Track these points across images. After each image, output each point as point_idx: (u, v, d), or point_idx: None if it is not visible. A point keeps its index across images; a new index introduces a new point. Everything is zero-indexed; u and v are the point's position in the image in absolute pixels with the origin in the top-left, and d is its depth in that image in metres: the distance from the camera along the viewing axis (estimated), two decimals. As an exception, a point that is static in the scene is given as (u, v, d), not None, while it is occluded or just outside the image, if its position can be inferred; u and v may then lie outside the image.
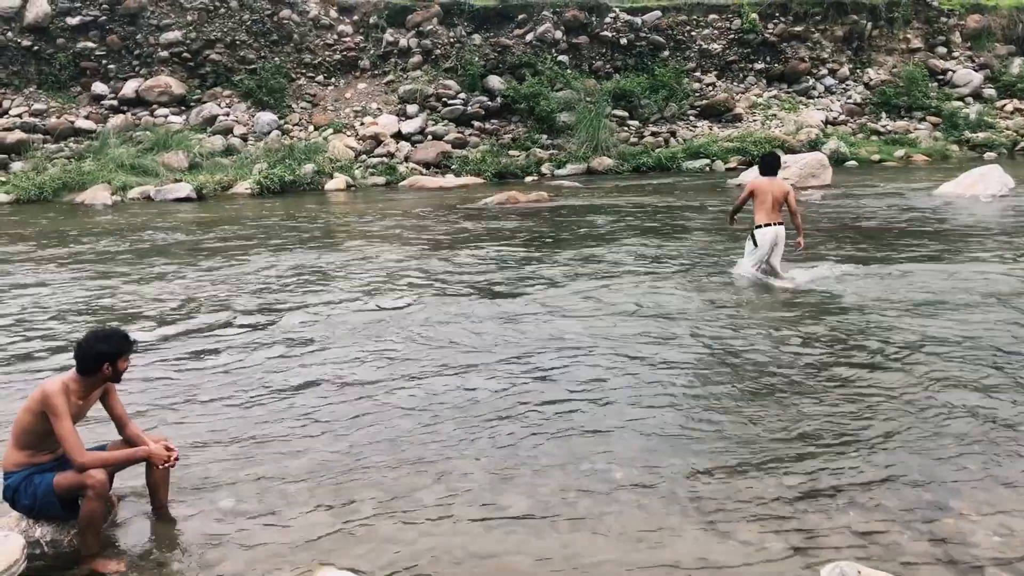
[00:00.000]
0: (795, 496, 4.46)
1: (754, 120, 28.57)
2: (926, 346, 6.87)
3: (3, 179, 20.97)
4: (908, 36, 31.70)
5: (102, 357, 4.14)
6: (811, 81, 30.26)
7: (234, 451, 5.17)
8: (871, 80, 30.68)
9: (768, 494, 4.49)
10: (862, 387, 6.01)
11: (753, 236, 9.39)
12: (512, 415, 5.65)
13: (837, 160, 24.71)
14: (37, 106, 23.39)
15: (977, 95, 30.14)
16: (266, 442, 5.30)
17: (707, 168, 25.23)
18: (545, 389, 6.13)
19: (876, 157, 26.57)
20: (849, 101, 30.06)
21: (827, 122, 28.79)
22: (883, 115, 29.70)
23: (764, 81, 30.32)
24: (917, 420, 5.41)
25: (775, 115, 28.83)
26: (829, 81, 30.49)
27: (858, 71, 31.03)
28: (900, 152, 27.10)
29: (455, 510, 4.41)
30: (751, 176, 9.58)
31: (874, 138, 28.51)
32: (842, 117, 29.41)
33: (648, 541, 4.09)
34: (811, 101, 29.86)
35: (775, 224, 9.26)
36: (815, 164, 20.49)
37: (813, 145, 26.13)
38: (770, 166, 9.59)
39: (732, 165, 25.12)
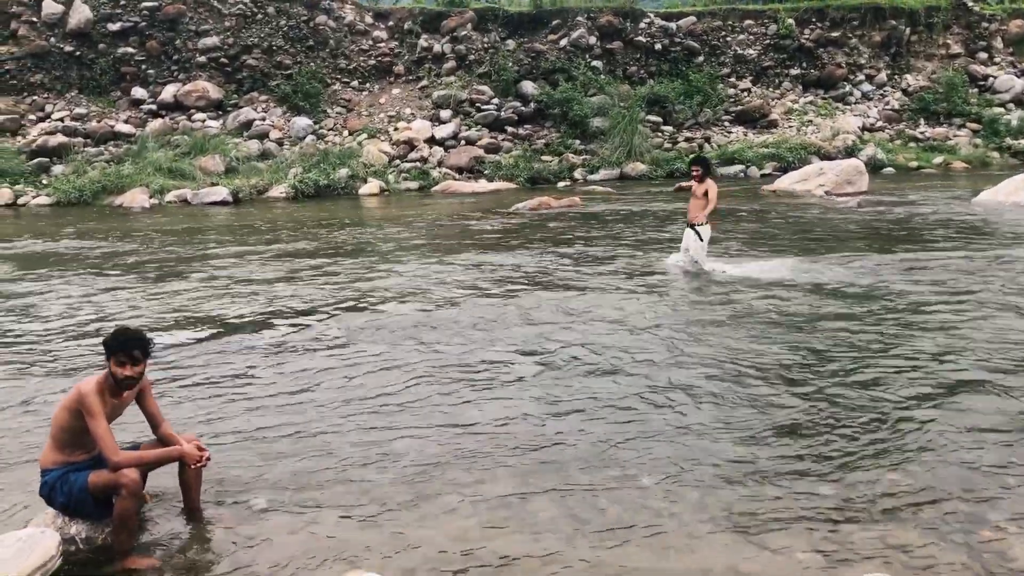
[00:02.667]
0: (828, 506, 4.40)
1: (790, 126, 28.34)
2: (958, 353, 6.75)
3: (45, 182, 21.36)
4: (948, 41, 31.29)
5: (107, 350, 4.15)
6: (848, 87, 29.95)
7: (267, 452, 5.20)
8: (909, 86, 30.31)
9: (800, 503, 4.43)
10: (896, 394, 5.91)
11: (698, 232, 10.35)
12: (540, 420, 5.63)
13: (874, 167, 24.42)
14: (78, 110, 23.83)
15: (1019, 101, 29.65)
16: (299, 443, 5.33)
17: (742, 174, 25.05)
18: (572, 395, 6.10)
19: (914, 164, 26.24)
20: (887, 107, 29.72)
21: (864, 128, 28.49)
22: (921, 121, 29.33)
23: (800, 87, 30.07)
24: (955, 429, 5.31)
25: (811, 121, 28.58)
26: (866, 87, 30.17)
27: (896, 77, 30.68)
28: (939, 159, 26.73)
29: (483, 515, 4.41)
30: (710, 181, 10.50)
31: (912, 145, 28.16)
32: (879, 123, 29.08)
33: (678, 549, 4.06)
34: (848, 107, 29.57)
35: (706, 222, 10.44)
36: (851, 171, 20.26)
37: (850, 151, 25.88)
38: (706, 167, 10.65)
39: (767, 171, 24.93)
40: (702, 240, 10.40)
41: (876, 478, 4.70)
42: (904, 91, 30.30)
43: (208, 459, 4.36)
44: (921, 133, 28.81)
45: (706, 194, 10.36)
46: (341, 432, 5.50)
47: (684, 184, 11.29)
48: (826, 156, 25.30)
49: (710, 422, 5.54)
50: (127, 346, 4.11)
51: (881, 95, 30.23)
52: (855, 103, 29.80)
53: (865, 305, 8.55)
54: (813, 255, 11.49)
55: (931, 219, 14.92)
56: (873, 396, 5.93)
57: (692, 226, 10.51)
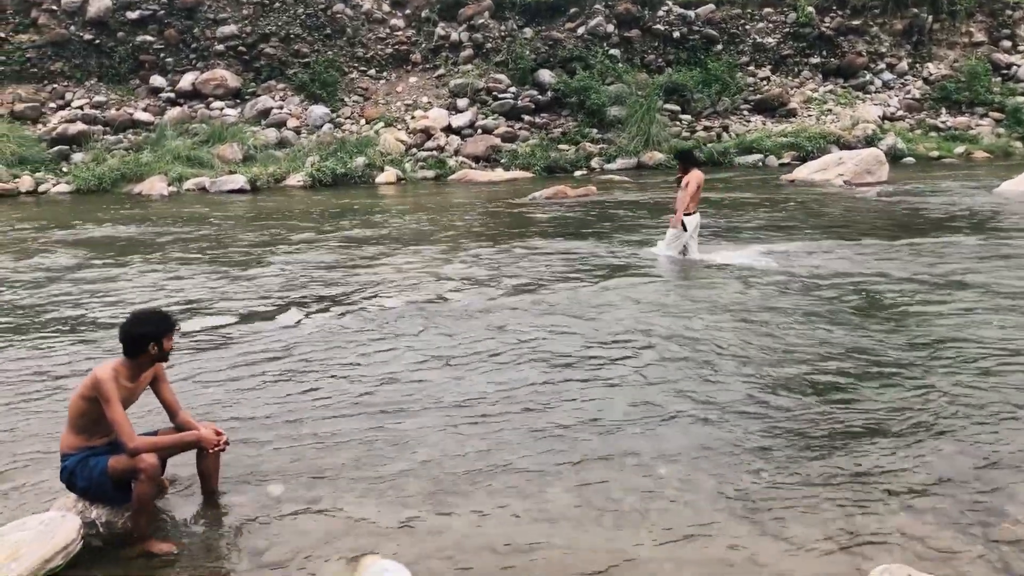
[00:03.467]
0: (846, 497, 4.38)
1: (809, 115, 28.13)
2: (973, 343, 6.70)
3: (65, 170, 21.51)
4: (971, 29, 30.93)
5: (146, 338, 4.21)
6: (868, 76, 29.67)
7: (284, 439, 5.24)
8: (931, 75, 30.01)
9: (818, 493, 4.42)
10: (915, 384, 5.88)
11: (684, 223, 10.47)
12: (556, 409, 5.64)
13: (894, 156, 24.21)
14: (98, 98, 23.94)
15: (1043, 90, 29.29)
16: (316, 430, 5.36)
17: (760, 163, 24.90)
18: (589, 383, 6.10)
19: (935, 153, 26.00)
20: (907, 96, 29.44)
21: (884, 117, 28.24)
22: (943, 111, 29.05)
23: (820, 75, 29.82)
24: (974, 420, 5.28)
25: (830, 110, 28.35)
26: (887, 76, 29.88)
27: (917, 65, 30.37)
28: (960, 148, 26.47)
29: (498, 501, 4.42)
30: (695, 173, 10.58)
31: (933, 134, 27.89)
32: (900, 112, 28.81)
33: (694, 538, 4.06)
34: (868, 96, 29.31)
35: (697, 212, 10.67)
36: (871, 160, 20.09)
37: (869, 141, 25.65)
38: (689, 160, 10.86)
39: (786, 160, 24.77)
40: (687, 230, 10.56)
41: (894, 468, 4.68)
42: (925, 80, 29.99)
43: (226, 444, 4.40)
44: (942, 122, 28.52)
45: (689, 185, 10.50)
46: (358, 419, 5.52)
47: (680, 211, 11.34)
48: (846, 145, 25.10)
49: (726, 411, 5.53)
50: (174, 324, 4.39)
51: (902, 84, 29.93)
52: (875, 92, 29.53)
53: (876, 293, 8.50)
54: (820, 242, 11.43)
55: (950, 208, 14.79)
56: (889, 385, 5.90)
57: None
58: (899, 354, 6.58)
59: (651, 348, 6.89)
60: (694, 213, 10.58)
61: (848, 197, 17.18)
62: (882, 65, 30.00)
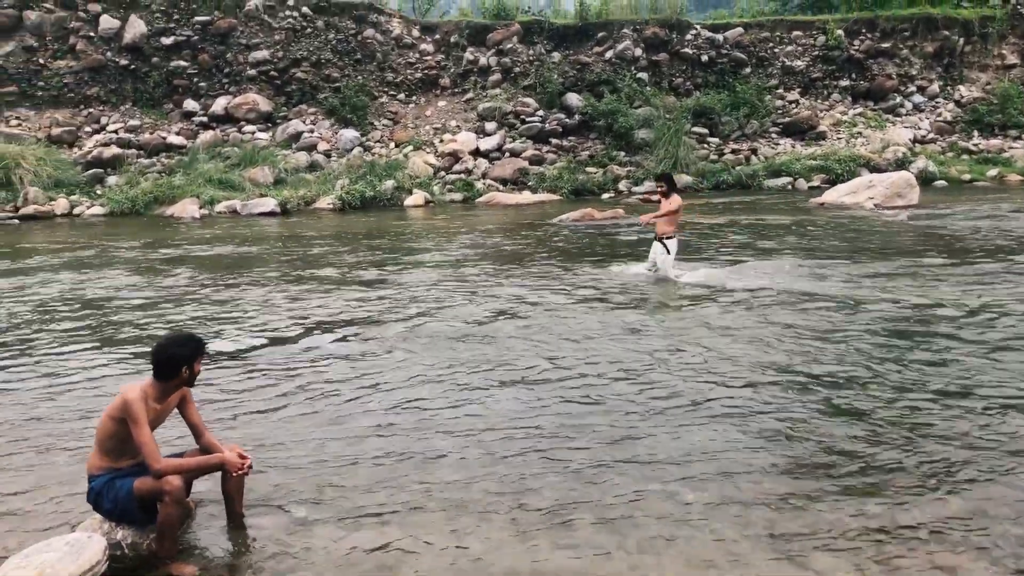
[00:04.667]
0: (874, 527, 4.30)
1: (838, 138, 27.98)
2: (1015, 375, 6.58)
3: (99, 192, 21.87)
4: (1003, 52, 30.68)
5: (180, 361, 4.26)
6: (898, 98, 29.50)
7: (309, 461, 5.25)
8: (962, 97, 29.76)
9: (846, 523, 4.34)
10: (947, 411, 5.78)
11: (665, 244, 10.88)
12: (583, 433, 5.60)
13: (925, 179, 24.00)
14: (132, 122, 24.39)
15: (1077, 113, 28.92)
16: (341, 453, 5.36)
17: (789, 187, 24.78)
18: (615, 407, 6.07)
19: (967, 177, 25.73)
20: (939, 119, 29.21)
21: (915, 140, 28.03)
22: (975, 133, 28.76)
23: (849, 98, 29.69)
24: (1007, 450, 5.17)
25: (860, 133, 28.19)
26: (917, 98, 29.68)
27: (949, 88, 30.14)
28: (993, 172, 26.19)
29: (523, 527, 4.39)
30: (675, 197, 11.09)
31: (965, 157, 27.62)
32: (931, 135, 28.59)
33: (719, 567, 4.00)
34: (898, 119, 29.11)
35: (673, 236, 11.03)
36: (901, 183, 19.91)
37: (900, 164, 25.46)
38: (671, 184, 11.26)
39: (815, 183, 24.63)
40: (669, 253, 10.92)
41: (924, 498, 4.59)
42: (957, 102, 29.74)
43: (250, 467, 4.41)
44: (975, 145, 28.24)
45: (673, 210, 10.92)
46: (383, 441, 5.53)
47: (651, 197, 12.11)
48: (876, 168, 24.93)
49: (752, 437, 5.46)
50: (204, 348, 4.46)
51: (933, 106, 29.71)
52: (906, 115, 29.33)
53: (907, 319, 8.39)
54: (850, 265, 11.32)
55: (982, 232, 14.60)
56: (918, 412, 5.80)
57: (660, 239, 11.01)
58: (930, 383, 6.48)
59: (675, 372, 6.84)
60: (673, 237, 10.99)
61: (878, 220, 17.02)
62: (913, 88, 29.81)
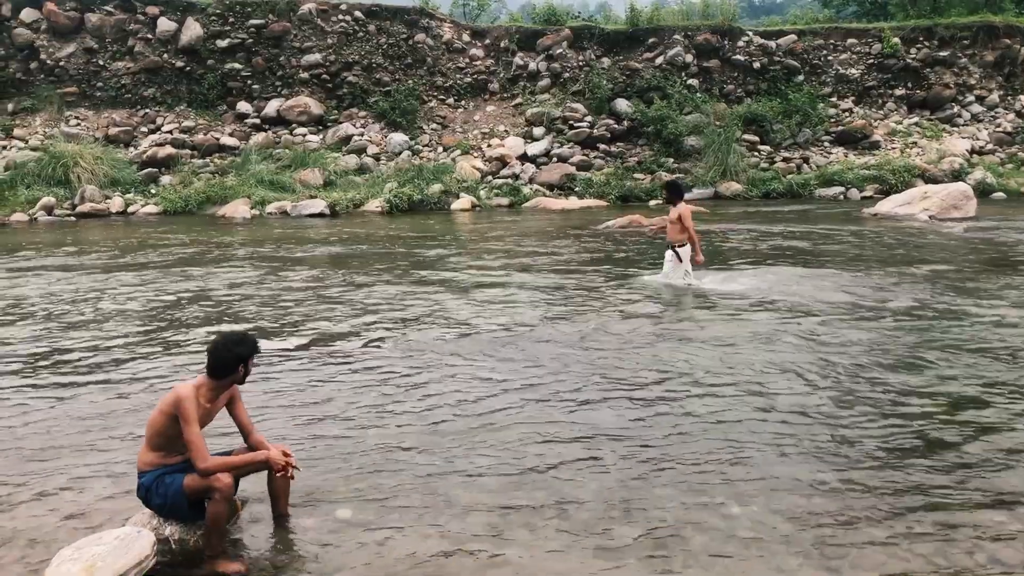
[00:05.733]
0: (926, 547, 4.18)
1: (893, 147, 27.48)
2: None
3: (153, 191, 22.30)
4: (1067, 61, 29.87)
5: (239, 359, 4.35)
6: (956, 108, 28.88)
7: (355, 463, 5.26)
8: (1023, 108, 29.03)
9: (898, 544, 4.23)
10: (1003, 429, 5.61)
11: (677, 252, 10.95)
12: (628, 443, 5.55)
13: (983, 191, 23.45)
14: (186, 123, 24.83)
15: None
16: (387, 455, 5.37)
17: (842, 196, 24.41)
18: (661, 417, 6.00)
19: (1026, 189, 25.10)
20: (998, 129, 28.54)
21: (972, 151, 27.40)
22: (1036, 144, 28.05)
23: (905, 107, 29.15)
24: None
25: (915, 143, 27.65)
26: (976, 108, 29.03)
27: (1009, 98, 29.44)
28: (1054, 184, 25.50)
29: (566, 538, 4.35)
30: (682, 205, 11.07)
31: (1025, 169, 26.94)
32: (989, 146, 27.94)
33: (766, 583, 3.92)
34: (955, 129, 28.50)
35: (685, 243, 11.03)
36: (958, 195, 19.47)
37: (956, 175, 24.91)
38: (681, 192, 11.36)
39: (868, 193, 24.22)
40: (682, 260, 10.96)
41: (980, 519, 4.46)
42: (1018, 113, 29.03)
43: (295, 466, 4.44)
44: (1035, 157, 27.56)
45: (680, 218, 10.89)
46: (427, 445, 5.52)
47: (657, 226, 12.07)
48: (931, 179, 24.44)
49: (800, 451, 5.36)
50: (259, 347, 4.53)
51: (992, 116, 29.03)
52: (963, 125, 28.70)
53: (956, 332, 8.17)
54: (888, 276, 11.08)
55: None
56: (974, 429, 5.64)
57: (672, 247, 11.06)
58: (993, 401, 6.31)
59: (728, 385, 6.74)
60: (685, 244, 10.99)
61: (933, 232, 16.66)
62: (971, 97, 29.17)
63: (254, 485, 4.66)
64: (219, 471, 4.13)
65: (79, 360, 7.65)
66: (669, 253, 11.11)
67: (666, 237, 11.24)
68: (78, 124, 24.34)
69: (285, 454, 4.40)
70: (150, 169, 23.09)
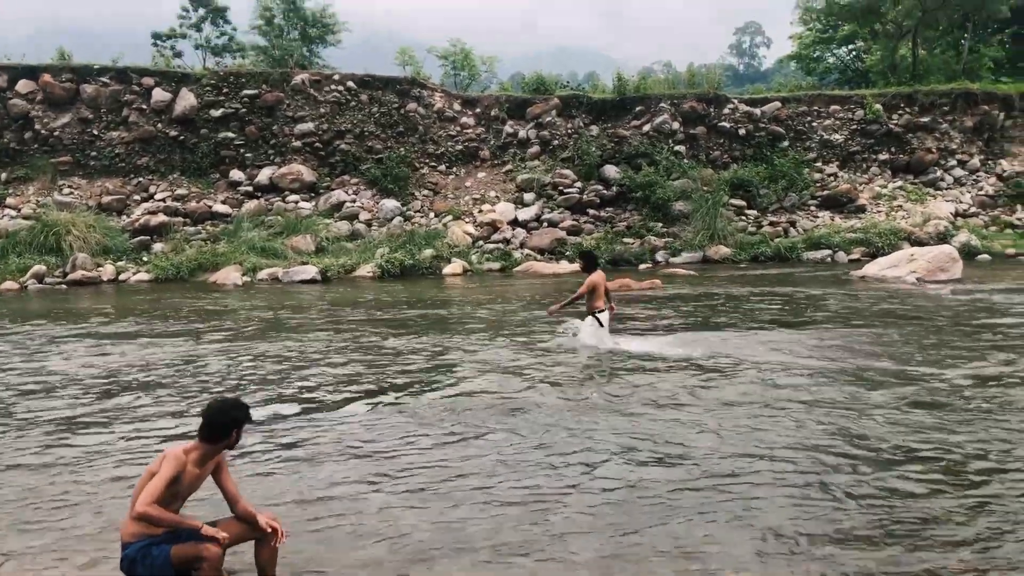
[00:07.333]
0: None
1: (878, 211, 27.87)
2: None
3: (145, 259, 22.37)
4: (1045, 126, 30.56)
5: (235, 423, 4.37)
6: (939, 172, 29.40)
7: (342, 533, 5.21)
8: (1004, 171, 29.59)
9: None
10: (993, 493, 5.60)
11: (597, 318, 11.22)
12: (617, 502, 5.51)
13: (968, 253, 23.72)
14: (179, 191, 25.06)
15: (1123, 187, 28.55)
16: (375, 525, 5.32)
17: (829, 259, 24.64)
18: (657, 478, 5.96)
19: (1011, 251, 25.38)
20: (980, 192, 29.02)
21: (957, 214, 27.81)
22: (1019, 207, 28.49)
23: (889, 171, 29.66)
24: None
25: (900, 206, 28.05)
26: (958, 172, 29.57)
27: (990, 162, 30.00)
28: (1038, 246, 25.83)
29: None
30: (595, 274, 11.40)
31: (1009, 231, 27.31)
32: (973, 209, 28.38)
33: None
34: (939, 192, 28.96)
35: (608, 308, 11.40)
36: (944, 257, 19.69)
37: (942, 237, 25.22)
38: (595, 263, 11.80)
39: (855, 256, 24.48)
40: (603, 325, 11.25)
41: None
42: (999, 176, 29.56)
43: (282, 536, 4.39)
44: (1018, 219, 27.96)
45: (597, 286, 11.25)
46: (415, 515, 5.47)
47: (560, 306, 11.92)
48: (917, 242, 24.73)
49: (790, 516, 5.33)
50: (251, 416, 4.55)
51: (974, 180, 29.55)
52: (947, 188, 29.19)
53: (944, 392, 8.20)
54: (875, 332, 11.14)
55: (1014, 309, 14.35)
56: (963, 488, 5.63)
57: (592, 313, 11.29)
58: (959, 455, 6.31)
59: (718, 446, 6.72)
60: (604, 310, 11.32)
61: (920, 295, 16.80)
62: (953, 161, 29.73)
63: (239, 558, 4.61)
64: (154, 519, 4.08)
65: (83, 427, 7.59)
66: (589, 319, 11.34)
67: (586, 307, 11.44)
68: (71, 193, 24.53)
69: (272, 525, 4.36)
70: (142, 237, 23.21)
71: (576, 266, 23.01)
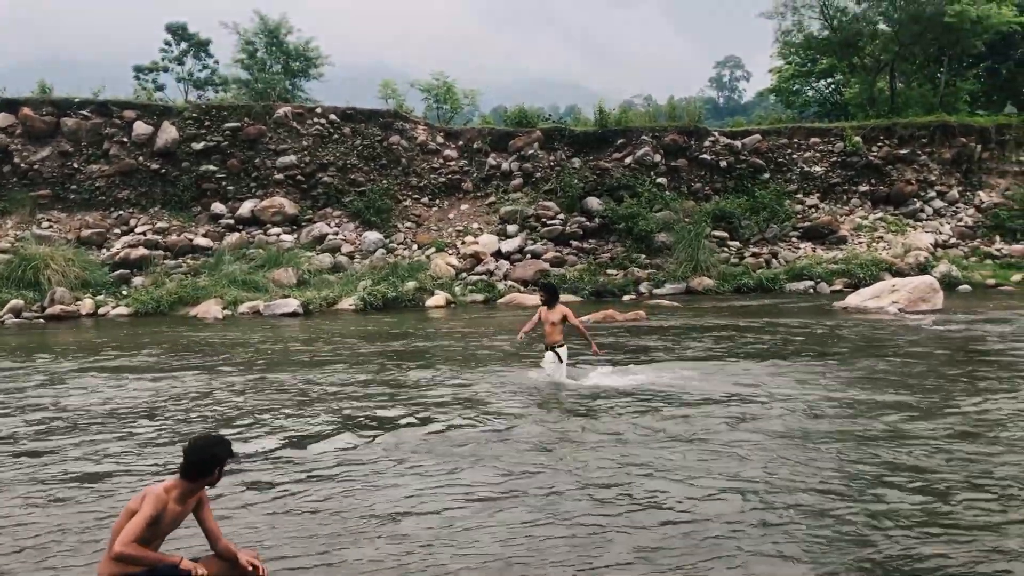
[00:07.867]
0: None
1: (859, 242, 28.05)
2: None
3: (124, 293, 22.14)
4: (1021, 158, 30.96)
5: (218, 460, 4.33)
6: (918, 203, 29.71)
7: (326, 570, 5.08)
8: (983, 203, 29.92)
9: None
10: (975, 524, 5.54)
11: (557, 353, 11.18)
12: (611, 542, 5.41)
13: (949, 283, 23.87)
14: (160, 224, 24.89)
15: (1100, 218, 28.90)
16: (360, 566, 5.19)
17: (811, 290, 24.74)
18: (644, 518, 5.87)
19: (991, 281, 25.59)
20: (960, 223, 29.30)
21: (937, 245, 28.05)
22: (997, 238, 28.76)
23: (869, 203, 29.92)
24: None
25: (881, 237, 28.27)
26: (938, 203, 29.89)
27: (968, 193, 30.34)
28: (1018, 276, 26.07)
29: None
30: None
31: (988, 262, 27.55)
32: (953, 240, 28.62)
33: None
34: (919, 223, 29.23)
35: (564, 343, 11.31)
36: (925, 288, 19.79)
37: (923, 268, 25.41)
38: (555, 295, 11.74)
39: (837, 287, 24.59)
40: (562, 360, 11.19)
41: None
42: (977, 207, 29.88)
43: (263, 573, 4.31)
44: (998, 250, 28.22)
45: (564, 319, 11.21)
46: (404, 555, 5.35)
47: (526, 329, 11.94)
48: (898, 273, 24.87)
49: (784, 553, 5.24)
50: (233, 452, 4.53)
51: (953, 211, 29.86)
52: (926, 219, 29.46)
53: (917, 420, 8.17)
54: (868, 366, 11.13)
55: (1007, 337, 14.39)
56: (966, 529, 5.57)
57: (552, 348, 11.23)
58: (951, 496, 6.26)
59: (698, 479, 6.64)
60: (563, 345, 11.28)
61: (902, 325, 16.85)
62: (932, 193, 30.05)
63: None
64: (134, 559, 4.01)
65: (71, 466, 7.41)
66: (550, 354, 11.25)
67: (546, 339, 11.37)
68: (51, 226, 24.30)
69: (253, 564, 4.27)
70: (122, 271, 22.98)
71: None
